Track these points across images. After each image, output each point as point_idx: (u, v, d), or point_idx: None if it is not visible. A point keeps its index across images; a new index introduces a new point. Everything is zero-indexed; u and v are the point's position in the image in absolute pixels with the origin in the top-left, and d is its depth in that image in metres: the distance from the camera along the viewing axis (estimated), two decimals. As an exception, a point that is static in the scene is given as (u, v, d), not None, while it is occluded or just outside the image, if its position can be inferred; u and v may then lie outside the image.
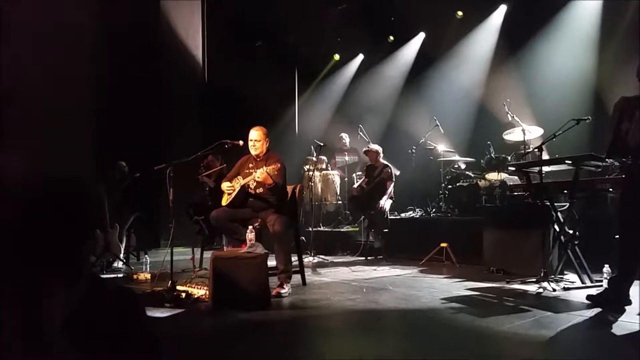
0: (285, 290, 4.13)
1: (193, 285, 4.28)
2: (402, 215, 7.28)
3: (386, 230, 6.59)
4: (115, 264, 5.94)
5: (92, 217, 5.58)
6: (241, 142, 4.62)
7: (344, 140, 8.60)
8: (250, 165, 4.52)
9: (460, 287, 4.41)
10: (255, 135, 4.51)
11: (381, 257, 6.43)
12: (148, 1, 9.07)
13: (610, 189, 4.44)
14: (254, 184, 4.42)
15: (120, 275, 5.52)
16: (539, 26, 7.30)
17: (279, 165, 4.27)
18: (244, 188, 4.44)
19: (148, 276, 5.17)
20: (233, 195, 4.44)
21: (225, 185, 4.53)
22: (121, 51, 8.05)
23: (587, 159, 4.10)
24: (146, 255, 6.04)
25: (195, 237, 6.05)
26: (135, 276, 5.19)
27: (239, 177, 4.51)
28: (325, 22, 9.28)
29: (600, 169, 4.34)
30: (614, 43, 6.57)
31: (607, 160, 3.84)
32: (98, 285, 1.24)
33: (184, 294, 4.01)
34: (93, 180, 6.27)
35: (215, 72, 10.19)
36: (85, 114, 7.34)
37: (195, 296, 4.00)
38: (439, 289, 4.36)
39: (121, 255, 6.02)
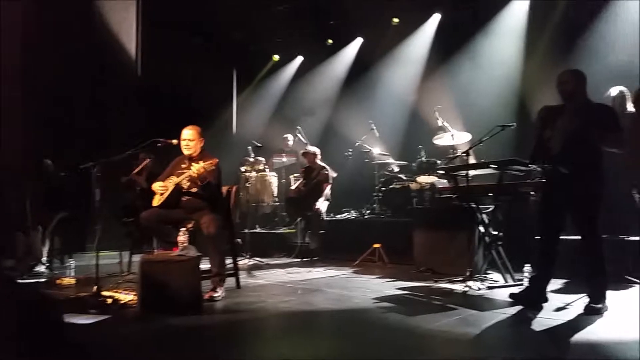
0: (219, 293, 4.06)
1: (120, 291, 4.13)
2: (338, 216, 7.37)
3: (322, 231, 6.64)
4: (37, 268, 5.58)
5: (11, 218, 5.27)
6: (175, 141, 4.49)
7: (287, 141, 8.56)
8: (184, 165, 4.41)
9: (391, 287, 4.52)
10: (189, 134, 4.41)
11: (317, 258, 6.47)
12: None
13: (532, 193, 4.72)
14: (188, 183, 4.32)
15: (42, 279, 5.21)
16: (469, 36, 7.66)
17: (214, 163, 4.20)
18: (177, 187, 4.32)
19: (72, 281, 4.92)
20: (165, 195, 4.31)
21: (157, 185, 4.38)
22: (53, 45, 7.62)
23: (511, 163, 4.32)
24: (71, 259, 5.76)
25: (124, 240, 5.81)
26: (58, 281, 4.93)
27: (172, 177, 4.38)
28: (265, 22, 9.22)
29: (523, 174, 4.59)
30: (538, 54, 6.99)
31: (529, 165, 4.06)
32: (10, 291, 1.17)
33: (110, 300, 3.86)
34: (17, 179, 5.90)
35: (150, 69, 9.85)
36: (13, 110, 6.88)
37: (123, 302, 3.85)
38: (371, 289, 4.45)
39: (44, 259, 5.67)
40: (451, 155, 6.14)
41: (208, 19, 9.12)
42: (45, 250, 5.76)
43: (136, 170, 5.89)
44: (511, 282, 4.36)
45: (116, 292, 4.07)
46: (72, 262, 5.36)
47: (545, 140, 3.68)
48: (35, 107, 7.31)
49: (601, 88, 4.98)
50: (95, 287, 3.94)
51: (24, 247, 5.49)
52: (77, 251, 6.77)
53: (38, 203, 5.80)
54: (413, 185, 6.56)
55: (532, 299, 3.67)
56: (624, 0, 6.33)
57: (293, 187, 7.43)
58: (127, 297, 3.92)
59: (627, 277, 4.30)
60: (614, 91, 4.87)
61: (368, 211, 7.18)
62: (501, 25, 7.53)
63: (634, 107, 4.36)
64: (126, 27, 9.58)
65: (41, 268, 5.60)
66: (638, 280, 4.24)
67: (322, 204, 6.73)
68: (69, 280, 4.92)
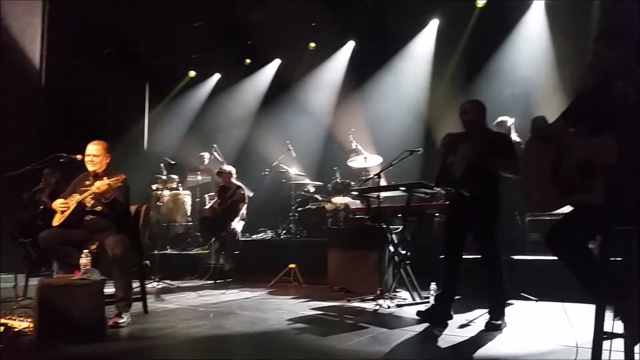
0: (124, 319, 3.84)
1: (14, 317, 3.79)
2: (254, 236, 7.32)
3: (237, 252, 6.55)
4: None
5: None
6: (79, 157, 4.25)
7: (203, 159, 8.39)
8: (87, 182, 4.16)
9: (306, 307, 4.55)
10: (94, 149, 4.19)
11: (230, 279, 6.36)
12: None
13: (437, 214, 5.00)
14: (92, 201, 4.09)
15: None
16: (381, 63, 8.05)
17: (120, 180, 4.01)
18: (80, 205, 4.07)
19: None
20: (67, 213, 4.04)
21: (58, 203, 4.10)
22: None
23: (418, 186, 4.55)
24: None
25: (20, 261, 5.36)
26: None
27: (74, 194, 4.13)
28: (181, 37, 9.05)
29: (429, 196, 4.86)
30: (444, 82, 7.49)
31: (434, 188, 4.30)
32: None
33: (1, 327, 3.53)
34: None
35: (56, 79, 9.28)
36: None
37: (17, 329, 3.55)
38: (285, 309, 4.45)
39: None
40: (364, 177, 6.37)
41: (120, 30, 8.78)
42: None
43: (39, 186, 5.49)
44: (418, 300, 4.56)
45: (9, 318, 3.74)
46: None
47: (449, 165, 3.92)
48: None
49: (499, 117, 5.48)
50: (-16, 315, 3.61)
51: None
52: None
53: None
54: (328, 206, 6.69)
55: (437, 317, 3.85)
56: (520, 37, 6.99)
57: (207, 206, 7.28)
58: (21, 324, 3.61)
59: (522, 294, 4.64)
60: (504, 120, 5.37)
61: (284, 231, 7.20)
62: (411, 53, 7.99)
63: (531, 134, 4.80)
64: (30, 33, 8.98)
65: None
66: (532, 297, 4.60)
67: (237, 224, 6.65)
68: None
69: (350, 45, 8.74)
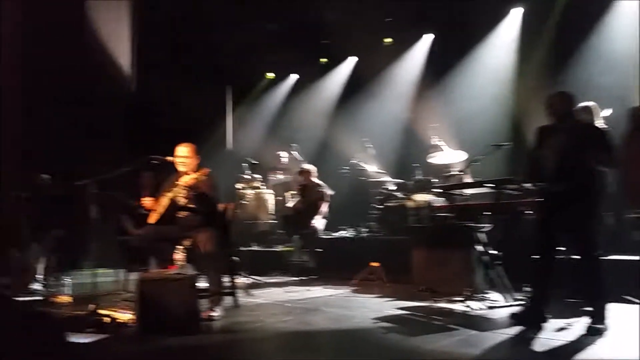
0: (217, 313, 4.02)
1: (118, 309, 4.07)
2: (335, 234, 7.35)
3: (319, 249, 6.61)
4: (32, 286, 5.49)
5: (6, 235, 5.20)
6: (170, 159, 4.49)
7: (281, 158, 8.56)
8: (177, 182, 4.39)
9: (391, 307, 4.49)
10: (184, 151, 4.41)
11: (314, 277, 6.43)
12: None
13: (529, 211, 4.74)
14: (183, 199, 4.30)
15: (38, 297, 5.12)
16: (463, 55, 7.78)
17: (205, 172, 4.19)
18: (173, 204, 4.30)
19: (69, 299, 4.86)
20: (161, 212, 4.29)
21: (153, 202, 4.37)
22: (44, 54, 7.61)
23: (507, 182, 4.35)
24: (67, 277, 5.67)
25: (120, 257, 5.75)
26: (54, 299, 4.86)
27: (167, 193, 4.37)
28: (258, 40, 9.30)
29: (519, 193, 4.62)
30: (530, 73, 7.10)
31: (525, 184, 4.09)
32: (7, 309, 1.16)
33: (107, 318, 3.81)
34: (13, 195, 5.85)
35: (144, 84, 9.88)
36: (10, 124, 6.86)
37: (120, 321, 3.81)
38: (370, 308, 4.42)
39: (39, 277, 5.59)
40: (447, 174, 6.18)
41: (200, 38, 9.17)
42: (41, 268, 5.68)
43: (142, 186, 5.86)
44: (511, 302, 4.35)
45: (113, 310, 4.02)
46: (68, 280, 5.28)
47: (540, 160, 3.74)
48: (32, 122, 7.29)
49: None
50: (92, 306, 3.90)
51: (20, 265, 5.41)
52: (73, 269, 6.69)
53: (34, 220, 5.75)
54: (409, 204, 6.56)
55: (532, 319, 3.66)
56: (613, 20, 6.49)
57: (289, 204, 7.41)
58: (124, 315, 3.88)
59: (625, 296, 4.30)
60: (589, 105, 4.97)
61: (365, 229, 7.18)
62: (494, 43, 7.67)
63: (632, 124, 4.45)
64: (118, 40, 9.57)
65: (37, 286, 5.51)
66: (636, 300, 4.25)
67: (319, 222, 6.72)
68: (65, 298, 4.86)
69: (427, 38, 8.54)
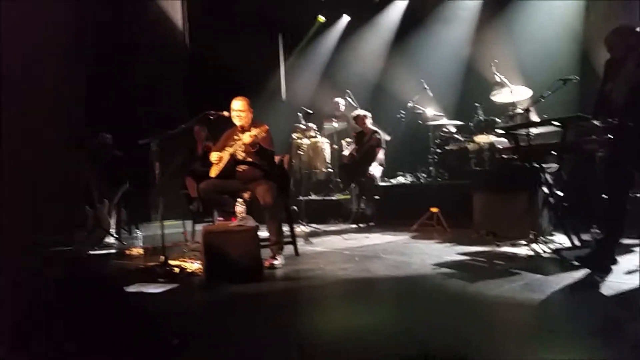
0: (278, 261, 4.16)
1: (186, 260, 4.30)
2: (392, 181, 7.28)
3: (377, 197, 6.59)
4: (106, 240, 5.91)
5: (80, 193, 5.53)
6: (226, 113, 4.54)
7: (338, 105, 8.43)
8: (236, 137, 4.46)
9: (451, 252, 4.45)
10: (239, 105, 4.45)
11: (372, 224, 6.46)
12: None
13: (598, 150, 4.45)
14: (243, 153, 4.38)
15: (113, 251, 5.50)
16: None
17: (264, 130, 4.23)
18: (233, 157, 4.39)
19: (141, 251, 5.17)
20: (222, 165, 4.40)
21: (213, 156, 4.48)
22: (99, 19, 7.82)
23: (575, 120, 4.09)
24: (137, 230, 6.00)
25: (187, 209, 6.01)
26: (127, 252, 5.19)
27: (226, 147, 4.46)
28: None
29: (588, 130, 4.33)
30: (601, 2, 6.47)
31: (594, 120, 3.83)
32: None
33: (177, 269, 4.03)
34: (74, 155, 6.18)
35: (197, 40, 9.93)
36: (61, 85, 7.17)
37: (189, 270, 4.02)
38: (429, 254, 4.40)
39: (112, 231, 5.98)
40: (511, 113, 5.88)
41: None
42: (112, 222, 6.05)
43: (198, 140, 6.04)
44: (578, 244, 4.18)
45: (182, 261, 4.25)
46: (139, 233, 5.60)
47: (608, 94, 3.49)
48: (92, 84, 7.59)
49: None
50: (162, 257, 4.13)
51: (93, 220, 5.78)
52: (143, 222, 7.09)
53: (101, 177, 6.07)
54: (471, 146, 6.35)
55: (600, 262, 3.51)
56: None
57: (346, 153, 7.37)
58: (193, 265, 4.09)
59: None
60: None
61: (424, 174, 7.05)
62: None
63: None
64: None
65: (110, 239, 5.91)
66: None
67: (375, 169, 6.66)
68: (137, 251, 5.17)
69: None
